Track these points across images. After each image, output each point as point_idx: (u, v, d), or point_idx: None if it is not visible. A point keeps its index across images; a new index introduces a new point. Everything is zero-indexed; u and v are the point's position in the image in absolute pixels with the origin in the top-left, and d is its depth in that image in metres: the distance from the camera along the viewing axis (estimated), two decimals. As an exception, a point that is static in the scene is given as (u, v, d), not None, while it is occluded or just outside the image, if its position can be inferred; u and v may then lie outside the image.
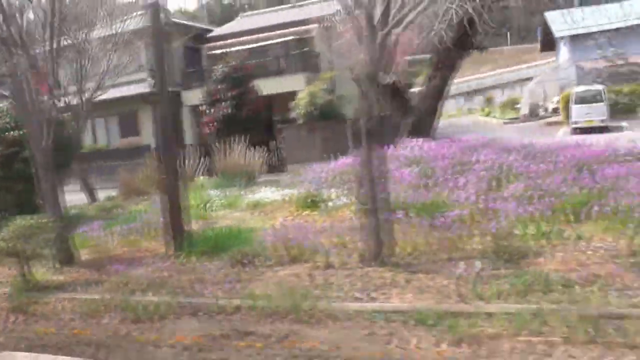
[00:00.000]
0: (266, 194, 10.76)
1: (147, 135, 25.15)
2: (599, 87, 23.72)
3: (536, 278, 5.15)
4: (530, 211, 7.15)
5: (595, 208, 6.97)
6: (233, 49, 23.78)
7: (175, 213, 7.96)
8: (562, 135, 23.65)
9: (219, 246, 7.44)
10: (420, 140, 10.95)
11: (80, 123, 15.41)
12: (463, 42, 12.66)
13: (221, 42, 24.24)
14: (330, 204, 8.97)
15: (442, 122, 35.99)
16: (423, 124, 13.08)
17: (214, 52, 24.01)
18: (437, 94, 13.56)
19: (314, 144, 19.07)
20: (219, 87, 17.89)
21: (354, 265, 6.11)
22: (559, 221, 7.11)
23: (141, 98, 21.97)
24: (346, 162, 10.43)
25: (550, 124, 27.13)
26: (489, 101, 35.27)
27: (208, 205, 10.55)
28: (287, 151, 19.90)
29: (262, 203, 10.09)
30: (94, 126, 25.57)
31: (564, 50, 31.39)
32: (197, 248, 7.59)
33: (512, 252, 6.01)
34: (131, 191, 13.98)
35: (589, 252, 5.99)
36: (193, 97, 23.25)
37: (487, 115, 32.47)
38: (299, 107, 19.26)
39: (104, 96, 23.02)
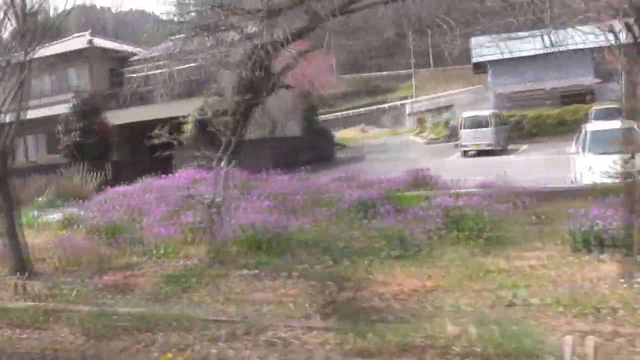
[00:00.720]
0: (62, 214, 13.20)
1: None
2: (486, 112, 25.71)
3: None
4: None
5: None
6: (152, 72, 26.54)
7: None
8: (456, 157, 25.70)
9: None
10: (186, 170, 13.36)
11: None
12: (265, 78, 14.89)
13: (140, 66, 27.01)
14: (81, 225, 11.38)
15: (373, 141, 38.45)
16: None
17: (132, 75, 26.79)
18: (242, 125, 15.72)
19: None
20: (70, 118, 20.61)
21: (5, 275, 8.51)
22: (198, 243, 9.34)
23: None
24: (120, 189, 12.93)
25: (458, 145, 29.14)
26: (420, 122, 37.38)
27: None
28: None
29: (49, 223, 12.55)
30: (25, 143, 28.71)
31: (489, 74, 33.42)
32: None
33: (116, 267, 8.38)
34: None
35: (173, 266, 8.29)
36: (111, 117, 26.02)
37: (418, 134, 34.58)
38: (185, 131, 21.76)
39: (32, 115, 25.85)
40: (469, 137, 24.77)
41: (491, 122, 24.72)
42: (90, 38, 27.62)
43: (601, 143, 15.10)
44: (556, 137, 27.42)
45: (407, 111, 51.63)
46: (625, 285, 5.68)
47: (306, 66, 28.85)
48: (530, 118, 28.58)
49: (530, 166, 18.86)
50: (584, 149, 15.24)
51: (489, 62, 32.24)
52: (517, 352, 4.07)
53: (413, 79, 59.05)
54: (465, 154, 25.14)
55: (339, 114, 55.71)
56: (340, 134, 47.73)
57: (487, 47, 32.61)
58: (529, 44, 31.29)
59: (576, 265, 6.85)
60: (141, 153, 22.58)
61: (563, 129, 28.22)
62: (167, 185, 12.28)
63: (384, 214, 9.32)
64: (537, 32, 27.20)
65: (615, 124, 17.93)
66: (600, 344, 4.34)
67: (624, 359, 4.15)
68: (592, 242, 7.23)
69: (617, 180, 11.05)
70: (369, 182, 12.01)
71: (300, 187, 11.39)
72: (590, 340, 4.33)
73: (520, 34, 28.81)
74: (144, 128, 23.21)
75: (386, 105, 56.28)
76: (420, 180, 12.22)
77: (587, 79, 30.78)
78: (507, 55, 33.09)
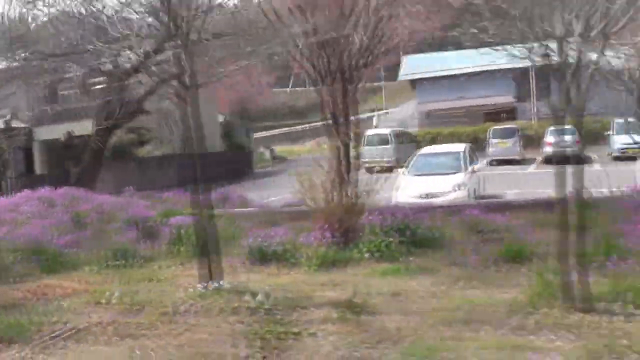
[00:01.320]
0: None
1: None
2: (387, 130, 27.77)
3: None
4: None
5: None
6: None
7: None
8: (360, 174, 27.75)
9: None
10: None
11: None
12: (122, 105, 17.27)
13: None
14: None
15: (316, 155, 40.54)
16: (89, 172, 17.70)
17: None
18: (99, 147, 18.14)
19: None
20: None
21: None
22: None
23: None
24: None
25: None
26: (356, 136, 39.36)
27: None
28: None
29: None
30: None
31: (416, 92, 35.51)
32: None
33: None
34: None
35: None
36: (45, 132, 28.80)
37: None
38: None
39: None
40: (370, 154, 26.77)
41: (392, 140, 26.73)
42: (26, 55, 30.12)
43: (422, 165, 17.23)
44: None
45: (374, 123, 53.83)
46: (198, 289, 7.79)
47: (235, 83, 31.23)
48: (445, 135, 30.56)
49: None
50: (406, 170, 17.40)
51: (416, 80, 34.31)
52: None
53: (383, 91, 61.11)
54: (369, 170, 27.11)
55: (307, 125, 58.04)
56: (298, 147, 50.19)
57: (417, 65, 34.53)
58: (455, 64, 33.50)
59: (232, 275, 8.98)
60: (57, 167, 25.13)
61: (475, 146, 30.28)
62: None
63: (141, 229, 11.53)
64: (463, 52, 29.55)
65: (445, 148, 19.90)
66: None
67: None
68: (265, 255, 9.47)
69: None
70: (177, 201, 14.24)
71: (114, 205, 13.65)
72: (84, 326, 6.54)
73: (448, 53, 31.35)
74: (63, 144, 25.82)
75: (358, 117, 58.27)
76: (227, 200, 14.45)
77: (507, 98, 32.71)
78: (431, 75, 35.45)
